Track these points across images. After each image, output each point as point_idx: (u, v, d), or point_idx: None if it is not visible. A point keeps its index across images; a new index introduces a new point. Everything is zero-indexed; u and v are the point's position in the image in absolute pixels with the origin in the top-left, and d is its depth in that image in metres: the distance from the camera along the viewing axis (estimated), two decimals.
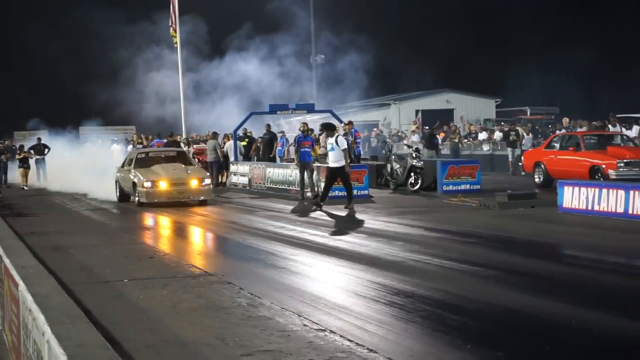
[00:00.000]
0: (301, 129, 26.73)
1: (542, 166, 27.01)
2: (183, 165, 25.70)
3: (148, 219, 22.21)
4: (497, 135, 41.62)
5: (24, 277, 8.16)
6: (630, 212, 17.73)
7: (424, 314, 9.72)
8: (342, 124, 29.28)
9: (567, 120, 38.18)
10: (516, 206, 20.45)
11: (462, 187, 25.12)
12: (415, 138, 44.19)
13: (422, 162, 26.78)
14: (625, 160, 24.29)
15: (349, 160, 22.32)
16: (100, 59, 54.35)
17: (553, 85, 58.60)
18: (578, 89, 54.94)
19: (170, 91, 43.87)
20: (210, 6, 45.09)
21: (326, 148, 23.56)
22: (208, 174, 26.91)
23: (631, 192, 17.83)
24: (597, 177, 24.07)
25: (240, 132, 33.75)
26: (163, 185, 24.27)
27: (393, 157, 27.95)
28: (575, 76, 55.89)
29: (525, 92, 58.28)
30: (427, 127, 44.54)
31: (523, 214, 19.40)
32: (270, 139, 33.73)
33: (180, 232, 19.70)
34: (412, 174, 26.54)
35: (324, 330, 9.01)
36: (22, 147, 38.38)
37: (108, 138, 46.23)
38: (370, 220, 19.41)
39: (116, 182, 27.03)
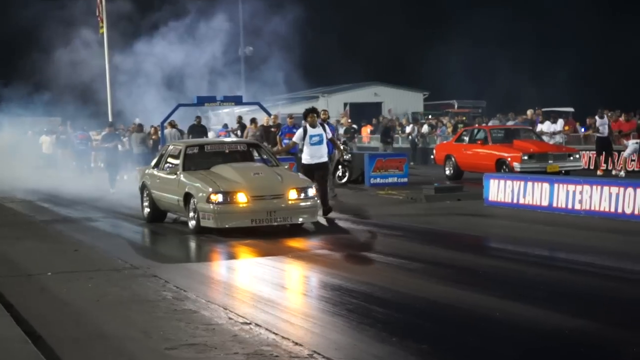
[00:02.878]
0: (323, 116, 21.23)
1: (452, 159, 27.88)
2: (265, 166, 17.55)
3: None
4: (425, 128, 41.97)
5: None
6: (554, 205, 17.98)
7: (350, 307, 9.72)
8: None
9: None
10: (443, 199, 20.63)
11: (390, 180, 25.24)
12: (342, 130, 44.27)
13: (349, 155, 26.86)
14: (529, 154, 25.35)
15: (341, 148, 21.70)
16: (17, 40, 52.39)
17: (480, 79, 59.20)
18: (504, 83, 55.57)
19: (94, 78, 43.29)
20: None
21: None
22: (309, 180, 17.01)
23: (555, 186, 18.08)
24: (502, 169, 24.98)
25: (166, 125, 33.44)
26: (243, 199, 15.92)
27: None
28: (502, 70, 56.53)
29: (453, 86, 58.86)
30: (350, 120, 44.68)
31: (450, 207, 19.55)
32: (203, 131, 33.46)
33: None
34: (340, 166, 26.58)
35: (249, 324, 8.97)
36: None
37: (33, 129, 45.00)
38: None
39: (142, 190, 18.71)
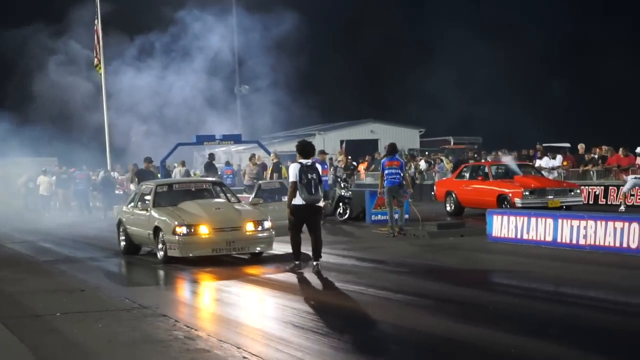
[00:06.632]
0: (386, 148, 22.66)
1: (453, 195, 27.89)
2: (226, 202, 19.18)
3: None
4: (423, 165, 42.06)
5: None
6: (559, 240, 17.98)
7: (362, 344, 9.69)
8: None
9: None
10: (446, 235, 20.64)
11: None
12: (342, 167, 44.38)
13: (350, 192, 26.88)
14: (530, 189, 25.47)
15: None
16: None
17: (475, 115, 59.40)
18: (500, 119, 55.73)
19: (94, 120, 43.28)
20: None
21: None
22: (264, 214, 18.65)
23: (559, 221, 18.08)
24: (504, 205, 25.03)
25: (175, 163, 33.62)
26: (205, 231, 17.64)
27: None
28: (498, 106, 56.74)
29: (448, 123, 59.06)
30: (350, 157, 44.78)
31: (453, 244, 19.54)
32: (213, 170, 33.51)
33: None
34: (341, 203, 26.62)
35: None
36: None
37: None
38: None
39: (119, 225, 20.34)
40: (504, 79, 59.77)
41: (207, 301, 13.96)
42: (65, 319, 11.97)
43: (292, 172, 15.89)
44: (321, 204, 16.15)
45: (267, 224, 17.78)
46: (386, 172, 21.95)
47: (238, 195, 20.89)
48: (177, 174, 32.12)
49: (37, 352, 9.58)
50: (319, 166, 16.39)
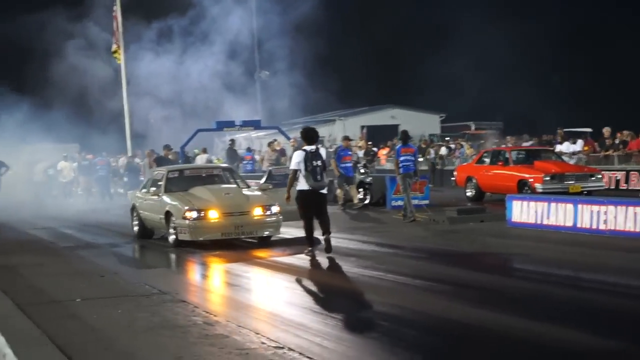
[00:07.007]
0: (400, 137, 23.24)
1: (474, 180, 27.77)
2: (235, 187, 19.63)
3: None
4: (443, 150, 41.97)
5: None
6: (579, 225, 17.95)
7: (381, 330, 9.70)
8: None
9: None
10: (466, 221, 20.60)
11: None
12: (361, 153, 44.34)
13: (370, 178, 26.86)
14: (550, 174, 25.36)
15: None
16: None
17: (496, 100, 59.17)
18: (521, 103, 55.54)
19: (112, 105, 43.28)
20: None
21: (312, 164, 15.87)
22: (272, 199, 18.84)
23: (579, 206, 18.05)
24: (525, 190, 24.84)
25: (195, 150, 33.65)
26: (214, 216, 18.13)
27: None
28: (519, 90, 56.49)
29: (469, 107, 58.85)
30: (370, 143, 44.71)
31: (473, 229, 19.51)
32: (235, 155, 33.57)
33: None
34: (361, 189, 26.60)
35: (282, 348, 8.94)
36: None
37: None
38: (321, 236, 19.31)
39: (133, 210, 20.91)
40: (525, 62, 59.61)
41: (226, 287, 13.99)
42: (85, 304, 12.03)
43: (295, 159, 16.02)
44: (325, 190, 16.19)
45: (275, 209, 18.14)
46: (401, 158, 22.07)
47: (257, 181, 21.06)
48: (199, 160, 32.14)
49: (56, 338, 9.62)
50: (323, 152, 16.19)
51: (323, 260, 15.62)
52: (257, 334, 9.65)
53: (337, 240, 18.44)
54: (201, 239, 17.70)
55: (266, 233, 18.20)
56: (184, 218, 17.65)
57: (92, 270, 15.71)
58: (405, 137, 22.95)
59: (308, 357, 8.55)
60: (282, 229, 18.75)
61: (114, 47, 41.13)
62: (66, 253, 18.74)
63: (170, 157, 28.37)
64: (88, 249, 19.41)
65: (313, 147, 16.02)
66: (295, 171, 15.87)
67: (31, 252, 18.79)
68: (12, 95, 44.29)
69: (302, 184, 15.86)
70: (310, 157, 15.75)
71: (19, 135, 41.35)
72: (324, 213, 16.17)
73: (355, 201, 26.10)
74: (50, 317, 11.03)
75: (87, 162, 39.66)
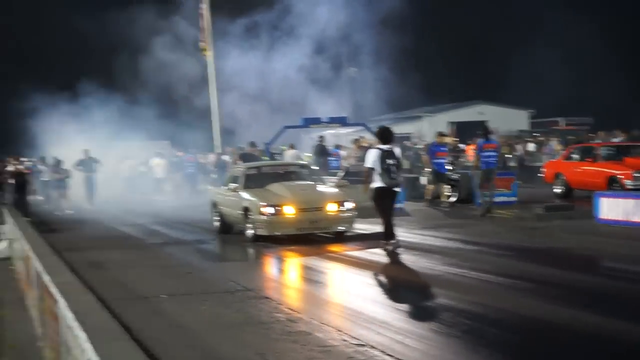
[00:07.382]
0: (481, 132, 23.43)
1: (562, 177, 27.37)
2: (311, 183, 20.16)
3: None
4: (531, 146, 41.52)
5: (64, 293, 8.15)
6: None
7: (464, 328, 9.63)
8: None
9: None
10: (553, 217, 20.35)
11: (498, 199, 24.87)
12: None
13: (458, 175, 26.68)
14: None
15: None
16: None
17: (586, 95, 58.36)
18: (612, 98, 54.68)
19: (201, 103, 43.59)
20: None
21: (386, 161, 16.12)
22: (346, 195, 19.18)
23: None
24: (614, 187, 24.24)
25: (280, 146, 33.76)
26: (290, 211, 18.62)
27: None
28: (613, 84, 55.62)
29: (559, 103, 58.07)
30: (457, 139, 44.37)
31: (560, 226, 19.26)
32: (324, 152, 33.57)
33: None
34: (448, 186, 26.48)
35: (364, 346, 8.95)
36: (58, 162, 32.75)
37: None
38: (406, 233, 19.16)
39: (213, 205, 21.66)
40: (618, 55, 58.59)
41: (307, 283, 14.01)
42: (171, 300, 12.20)
43: (370, 158, 16.27)
44: (399, 188, 16.72)
45: (349, 205, 18.52)
46: (484, 154, 22.18)
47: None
48: (287, 156, 32.28)
49: (140, 333, 9.76)
50: (397, 151, 16.42)
51: (405, 256, 15.58)
52: (339, 331, 9.67)
53: (422, 237, 18.48)
54: (277, 233, 18.21)
55: (341, 228, 18.61)
56: (261, 214, 18.23)
57: (178, 266, 15.93)
58: (487, 132, 22.83)
59: (389, 355, 8.54)
60: (356, 225, 19.00)
61: (202, 44, 41.51)
62: (155, 249, 19.02)
63: (255, 153, 28.57)
64: (176, 245, 19.71)
65: (388, 146, 16.25)
66: (371, 169, 16.12)
67: (120, 249, 19.11)
68: (103, 91, 44.91)
69: (378, 182, 16.15)
70: (385, 155, 16.06)
71: (110, 132, 41.84)
72: (392, 210, 16.51)
73: (443, 198, 25.97)
74: (135, 313, 11.20)
75: (177, 158, 40.13)
